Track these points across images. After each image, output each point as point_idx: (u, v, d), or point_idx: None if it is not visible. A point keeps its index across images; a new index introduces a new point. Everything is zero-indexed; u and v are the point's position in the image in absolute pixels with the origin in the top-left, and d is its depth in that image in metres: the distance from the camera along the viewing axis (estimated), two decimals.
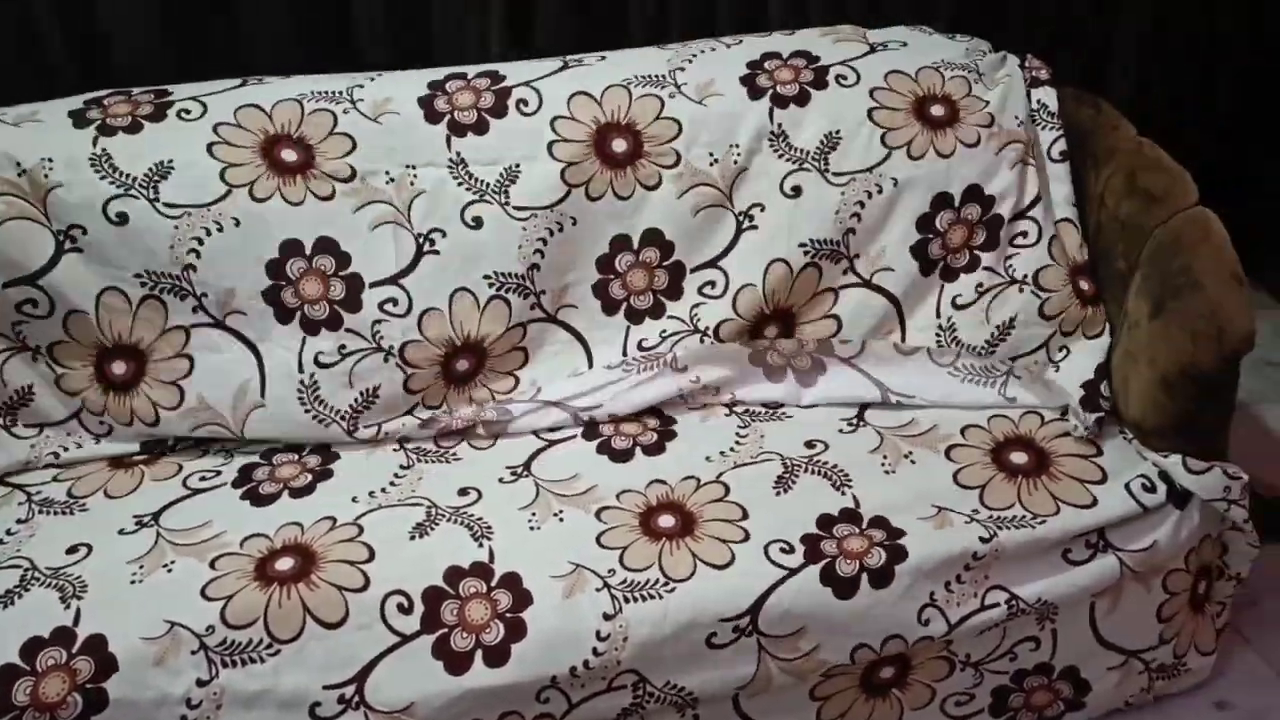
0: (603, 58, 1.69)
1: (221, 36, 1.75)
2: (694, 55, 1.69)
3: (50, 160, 1.47)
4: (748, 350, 1.62)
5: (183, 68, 1.71)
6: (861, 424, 1.57)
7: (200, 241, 1.50)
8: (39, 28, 1.63)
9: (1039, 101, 1.69)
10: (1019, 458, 1.48)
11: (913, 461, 1.49)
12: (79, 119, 1.53)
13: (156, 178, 1.50)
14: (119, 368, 1.53)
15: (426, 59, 1.82)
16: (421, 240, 1.57)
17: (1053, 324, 1.61)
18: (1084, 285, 1.60)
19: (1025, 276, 1.62)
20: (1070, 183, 1.64)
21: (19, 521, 1.38)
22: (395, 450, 1.53)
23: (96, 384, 1.53)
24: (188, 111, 1.55)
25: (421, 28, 1.82)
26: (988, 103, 1.66)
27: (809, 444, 1.52)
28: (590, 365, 1.63)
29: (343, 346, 1.54)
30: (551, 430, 1.57)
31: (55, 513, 1.40)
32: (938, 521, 1.37)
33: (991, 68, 1.70)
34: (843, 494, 1.43)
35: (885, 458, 1.49)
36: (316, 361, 1.53)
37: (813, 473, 1.46)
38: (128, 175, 1.49)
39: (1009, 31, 1.98)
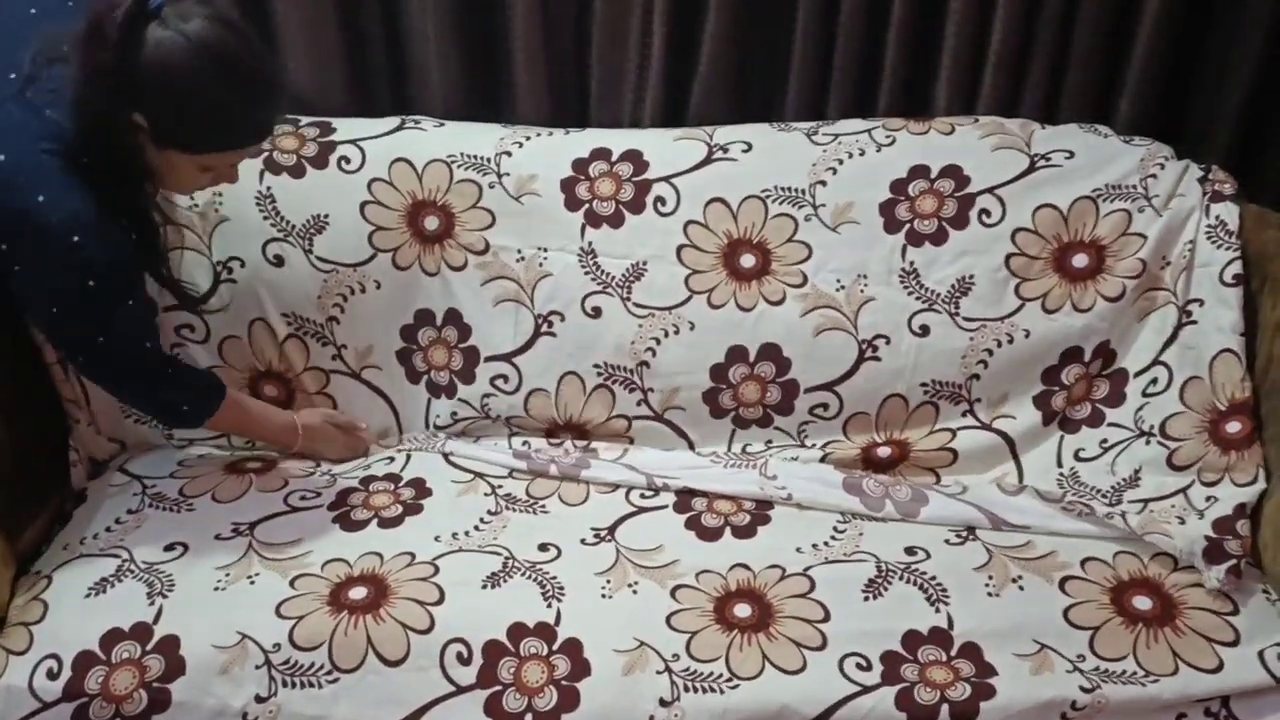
0: (748, 147, 1.65)
1: (388, 72, 1.82)
2: (840, 161, 1.63)
3: (220, 196, 1.57)
4: (843, 475, 1.57)
5: (350, 97, 1.79)
6: (971, 538, 1.47)
7: (345, 298, 1.59)
8: None
9: (1217, 218, 1.55)
10: (1141, 603, 1.35)
11: (1021, 587, 1.37)
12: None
13: (313, 231, 1.58)
14: (271, 390, 1.63)
15: (582, 111, 1.85)
16: (540, 321, 1.61)
17: (1186, 475, 1.48)
18: (1231, 428, 1.46)
19: (1152, 427, 1.51)
20: (1240, 310, 1.49)
21: (129, 512, 1.45)
22: (487, 495, 1.53)
23: None
24: (347, 160, 1.61)
25: (580, 80, 1.84)
26: (1145, 239, 1.56)
27: (909, 550, 1.44)
28: None
29: (455, 413, 1.65)
30: (634, 489, 1.56)
31: (164, 509, 1.46)
32: (1036, 663, 1.26)
33: (1166, 186, 1.58)
34: (936, 610, 1.33)
35: (991, 578, 1.39)
36: (434, 425, 1.67)
37: (908, 582, 1.38)
38: (288, 223, 1.58)
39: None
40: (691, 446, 1.65)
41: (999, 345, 1.59)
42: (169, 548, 1.38)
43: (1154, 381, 1.55)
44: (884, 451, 1.61)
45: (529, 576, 1.37)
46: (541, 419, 1.64)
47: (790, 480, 1.55)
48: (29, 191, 1.15)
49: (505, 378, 1.63)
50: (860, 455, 1.62)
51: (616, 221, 1.62)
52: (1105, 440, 1.57)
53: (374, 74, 1.81)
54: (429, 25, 1.74)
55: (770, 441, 1.63)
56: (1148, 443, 1.52)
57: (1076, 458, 1.58)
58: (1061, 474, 1.57)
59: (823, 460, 1.61)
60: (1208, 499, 1.45)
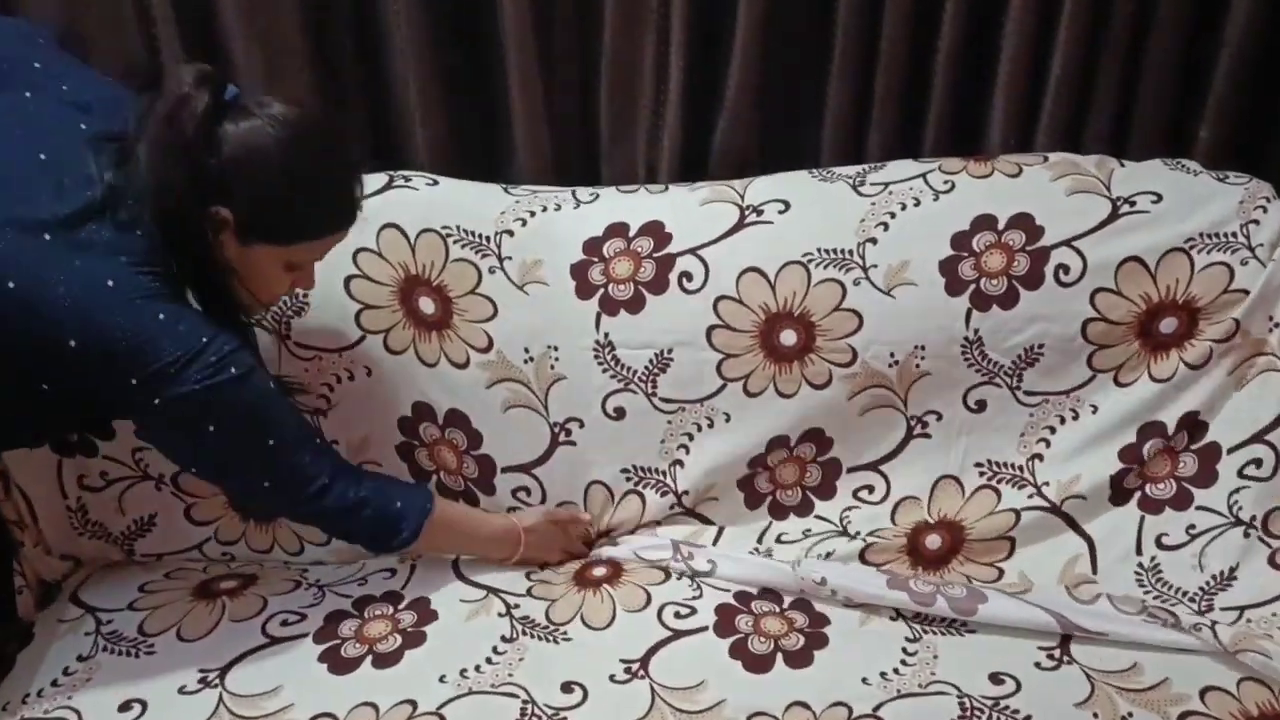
0: (785, 207, 1.43)
1: (369, 120, 1.61)
2: (893, 214, 1.42)
3: None
4: (885, 577, 1.37)
5: None
6: (1066, 659, 1.25)
7: (330, 388, 1.39)
8: None
9: None
10: None
11: None
12: None
13: (290, 313, 1.37)
14: None
15: (590, 156, 1.64)
16: (557, 430, 1.42)
17: None
18: None
19: (1253, 518, 1.30)
20: None
21: (80, 659, 1.24)
22: (501, 615, 1.32)
23: (231, 512, 1.42)
24: None
25: (587, 120, 1.63)
26: (1246, 294, 1.35)
27: (995, 678, 1.22)
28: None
29: None
30: (657, 566, 1.40)
31: (120, 652, 1.25)
32: None
33: (1270, 232, 1.36)
34: None
35: (1096, 716, 1.17)
36: None
37: None
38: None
39: None
40: (720, 533, 1.46)
41: (1062, 422, 1.40)
42: (124, 707, 1.17)
43: (1256, 463, 1.34)
44: (934, 541, 1.41)
45: None
46: None
47: (833, 578, 1.35)
48: (148, 317, 1.06)
49: (527, 489, 1.44)
50: (906, 545, 1.42)
51: (635, 306, 1.41)
52: (1193, 526, 1.36)
53: (353, 121, 1.60)
54: (410, 71, 1.53)
55: (808, 530, 1.44)
56: (1246, 535, 1.32)
57: (1159, 544, 1.37)
58: (1141, 565, 1.37)
59: (864, 553, 1.41)
60: None
